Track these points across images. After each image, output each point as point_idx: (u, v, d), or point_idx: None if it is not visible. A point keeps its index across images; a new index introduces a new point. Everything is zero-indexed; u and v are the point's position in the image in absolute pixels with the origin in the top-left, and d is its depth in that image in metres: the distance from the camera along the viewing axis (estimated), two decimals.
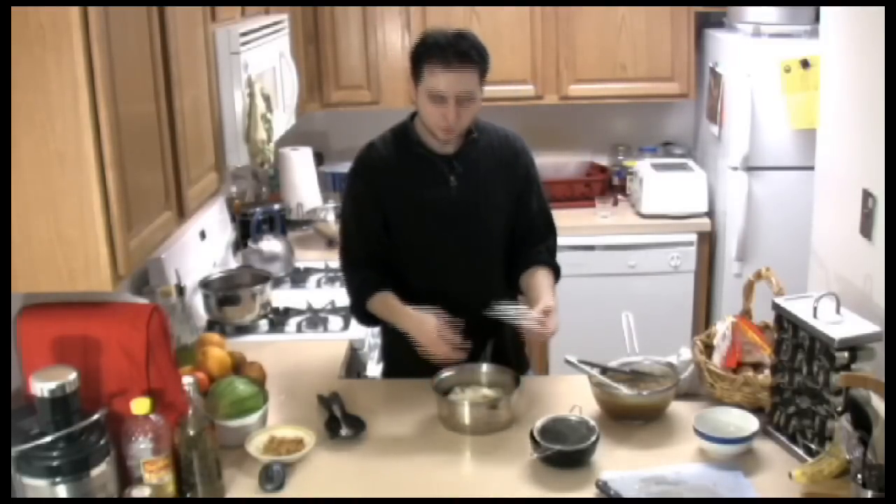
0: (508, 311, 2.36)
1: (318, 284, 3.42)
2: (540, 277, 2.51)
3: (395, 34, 4.06)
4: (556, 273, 2.58)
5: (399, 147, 2.45)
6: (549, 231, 2.62)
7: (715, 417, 2.15)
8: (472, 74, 2.32)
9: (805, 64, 3.55)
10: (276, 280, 3.28)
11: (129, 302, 2.10)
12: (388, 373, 2.71)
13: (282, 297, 3.21)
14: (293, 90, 3.22)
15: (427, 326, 2.33)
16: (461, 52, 2.29)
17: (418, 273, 2.47)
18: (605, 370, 2.34)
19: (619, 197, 4.29)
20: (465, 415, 2.23)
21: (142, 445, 1.87)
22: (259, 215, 3.50)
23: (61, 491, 1.76)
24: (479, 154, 2.44)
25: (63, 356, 1.89)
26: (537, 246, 2.58)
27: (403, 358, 2.59)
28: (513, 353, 2.59)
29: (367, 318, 2.53)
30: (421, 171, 2.43)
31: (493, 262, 2.55)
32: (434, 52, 2.30)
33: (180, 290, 2.63)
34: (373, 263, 2.47)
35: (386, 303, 2.42)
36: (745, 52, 3.71)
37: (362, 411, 2.31)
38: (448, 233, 2.46)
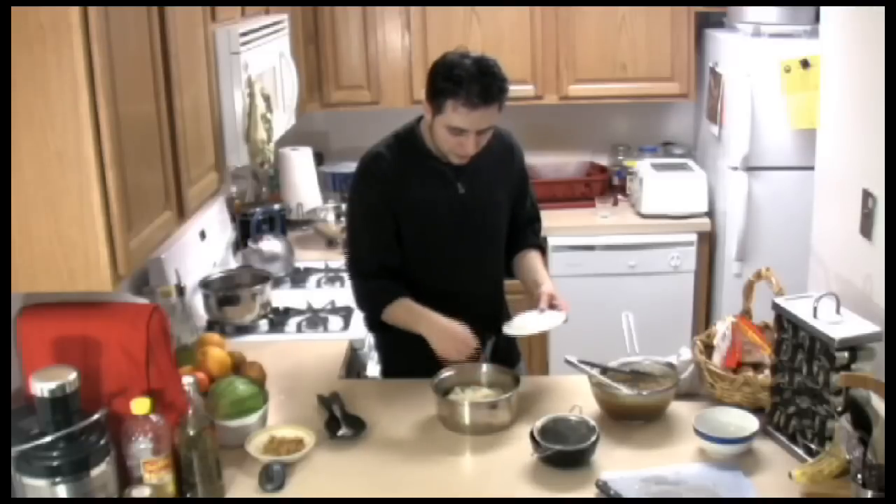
0: (526, 326, 2.40)
1: (318, 284, 3.42)
2: (532, 261, 2.58)
3: (395, 34, 4.05)
4: (543, 250, 2.69)
5: (406, 155, 2.45)
6: (537, 217, 2.70)
7: (715, 417, 2.15)
8: (495, 110, 2.31)
9: (805, 64, 3.55)
10: (276, 280, 3.27)
11: (129, 302, 2.10)
12: (385, 373, 2.71)
13: (282, 297, 3.21)
14: (293, 90, 3.21)
15: (452, 335, 2.35)
16: (485, 91, 2.25)
17: (427, 275, 2.48)
18: (605, 370, 2.34)
19: (619, 197, 4.29)
20: (465, 415, 2.23)
21: (142, 445, 1.87)
22: (259, 215, 3.50)
23: (61, 491, 1.76)
24: (481, 158, 2.45)
25: (63, 356, 1.89)
26: (527, 235, 2.65)
27: (400, 362, 2.60)
28: (505, 347, 2.60)
29: (380, 327, 2.53)
30: (430, 179, 2.44)
31: (498, 257, 2.61)
32: (457, 90, 2.24)
33: (180, 290, 2.63)
34: (384, 273, 2.47)
35: (409, 308, 2.43)
36: (745, 52, 3.71)
37: (362, 411, 2.31)
38: (457, 236, 2.48)
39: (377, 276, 2.48)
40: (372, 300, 2.50)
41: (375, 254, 2.48)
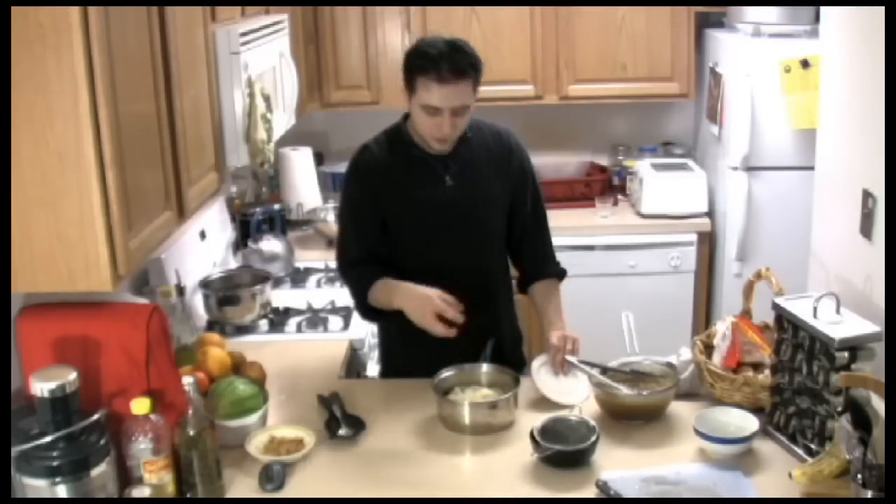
0: (549, 390, 2.37)
1: (318, 284, 3.42)
2: (544, 298, 2.56)
3: (395, 34, 4.05)
4: (562, 276, 2.63)
5: (393, 149, 2.45)
6: (543, 227, 2.63)
7: (715, 417, 2.15)
8: (467, 86, 2.31)
9: (805, 64, 3.55)
10: (276, 280, 3.27)
11: (129, 302, 2.10)
12: (385, 373, 2.71)
13: (282, 297, 3.21)
14: (293, 90, 3.22)
15: (425, 303, 2.31)
16: (455, 66, 2.26)
17: (417, 271, 2.47)
18: (605, 370, 2.34)
19: (619, 197, 4.29)
20: (465, 415, 2.23)
21: (142, 445, 1.87)
22: (259, 215, 3.50)
23: (61, 491, 1.76)
24: (473, 152, 2.45)
25: (63, 356, 1.89)
26: (536, 251, 2.61)
27: (400, 358, 2.60)
28: (510, 350, 2.60)
29: (371, 313, 2.52)
30: (416, 172, 2.44)
31: (493, 257, 2.58)
32: (427, 66, 2.27)
33: (180, 290, 2.63)
34: (370, 262, 2.48)
35: (386, 285, 2.42)
36: (745, 52, 3.71)
37: (362, 411, 2.31)
38: (446, 232, 2.47)
39: (363, 264, 2.49)
40: (357, 286, 2.50)
41: (361, 245, 2.49)
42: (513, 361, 2.55)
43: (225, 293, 2.94)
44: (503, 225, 2.56)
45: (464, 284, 2.45)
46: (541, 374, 2.39)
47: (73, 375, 1.76)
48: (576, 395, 2.33)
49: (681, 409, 2.27)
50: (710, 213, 4.08)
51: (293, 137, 3.91)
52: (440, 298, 2.31)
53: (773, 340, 2.17)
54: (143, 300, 2.19)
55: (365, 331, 2.92)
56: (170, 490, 1.92)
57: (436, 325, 2.29)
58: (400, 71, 2.37)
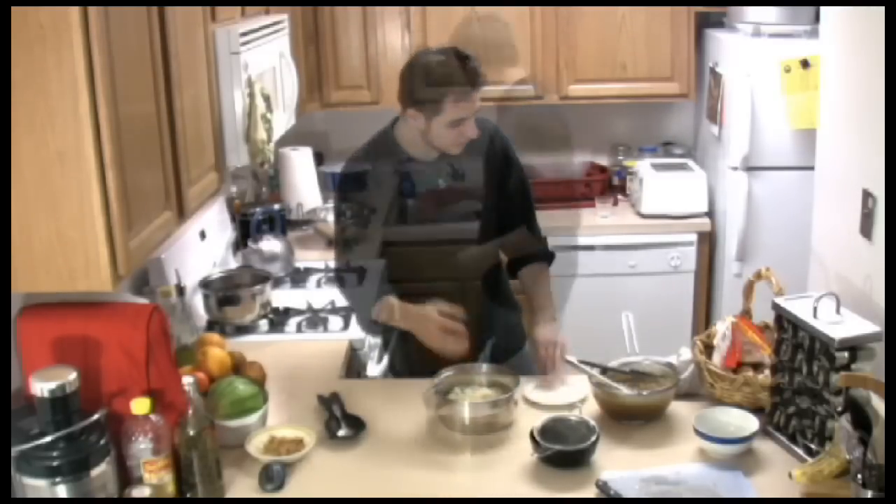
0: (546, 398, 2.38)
1: (318, 284, 3.41)
2: (533, 289, 2.58)
3: (395, 34, 4.06)
4: (549, 259, 2.65)
5: (382, 157, 2.49)
6: (529, 211, 2.65)
7: (715, 417, 2.15)
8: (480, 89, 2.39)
9: (805, 64, 3.55)
10: (276, 280, 3.27)
11: (129, 302, 2.10)
12: (390, 368, 2.72)
13: (282, 297, 3.20)
14: (293, 90, 3.21)
15: (429, 323, 2.34)
16: (473, 75, 2.34)
17: (415, 273, 2.49)
18: (605, 370, 2.34)
19: (619, 197, 4.29)
20: (465, 415, 2.23)
21: (142, 445, 1.87)
22: (259, 215, 3.50)
23: (61, 491, 1.76)
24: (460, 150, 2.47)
25: (63, 356, 1.89)
26: (521, 230, 2.62)
27: (404, 357, 2.62)
28: (506, 337, 2.61)
29: (374, 326, 2.56)
30: (408, 178, 2.46)
31: (487, 251, 2.61)
32: (454, 87, 2.32)
33: (180, 290, 2.63)
34: (371, 275, 2.51)
35: (389, 306, 2.44)
36: (745, 52, 3.72)
37: (362, 411, 2.31)
38: (441, 231, 2.48)
39: (364, 274, 2.53)
40: (359, 303, 2.54)
41: (361, 255, 2.54)
42: (514, 341, 2.58)
43: (225, 293, 2.94)
44: (495, 215, 2.58)
45: (462, 278, 2.47)
46: (534, 395, 2.39)
47: (73, 375, 1.76)
48: (574, 395, 2.34)
49: (681, 409, 2.27)
50: (710, 213, 4.08)
51: (293, 137, 3.90)
52: (439, 312, 2.33)
53: (773, 340, 2.17)
54: (143, 300, 2.20)
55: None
56: (170, 490, 1.92)
57: (445, 345, 2.35)
58: (399, 71, 2.38)
